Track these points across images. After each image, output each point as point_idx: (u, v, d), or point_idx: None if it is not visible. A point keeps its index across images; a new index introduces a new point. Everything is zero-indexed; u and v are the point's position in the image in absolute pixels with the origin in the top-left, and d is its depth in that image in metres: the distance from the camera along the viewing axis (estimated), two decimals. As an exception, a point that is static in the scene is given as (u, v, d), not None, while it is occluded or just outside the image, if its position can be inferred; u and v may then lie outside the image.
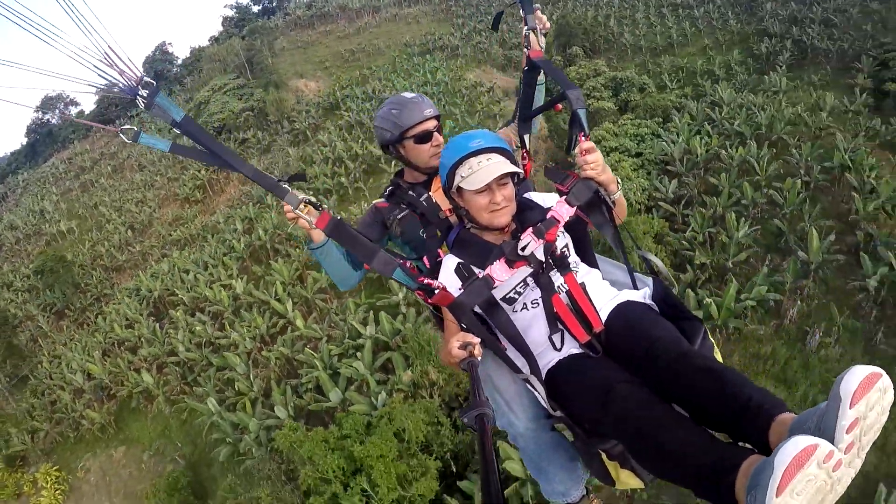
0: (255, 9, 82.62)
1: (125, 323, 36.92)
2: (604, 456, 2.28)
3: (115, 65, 1.84)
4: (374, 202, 3.07)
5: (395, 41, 67.50)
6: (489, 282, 2.32)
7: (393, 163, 34.28)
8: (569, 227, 2.52)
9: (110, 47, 1.85)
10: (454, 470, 18.37)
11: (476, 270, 2.39)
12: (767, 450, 1.52)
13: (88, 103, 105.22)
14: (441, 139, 2.98)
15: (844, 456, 1.34)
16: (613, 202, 2.44)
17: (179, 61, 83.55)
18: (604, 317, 2.31)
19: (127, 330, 35.75)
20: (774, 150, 29.36)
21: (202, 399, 27.90)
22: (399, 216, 2.92)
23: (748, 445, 1.64)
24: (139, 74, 1.90)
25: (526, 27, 2.75)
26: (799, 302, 21.62)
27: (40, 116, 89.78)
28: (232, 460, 23.74)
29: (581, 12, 56.02)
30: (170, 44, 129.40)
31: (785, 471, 1.26)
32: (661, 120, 34.19)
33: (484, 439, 1.46)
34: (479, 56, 55.82)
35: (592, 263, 2.68)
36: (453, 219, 2.77)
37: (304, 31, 78.99)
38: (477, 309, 2.36)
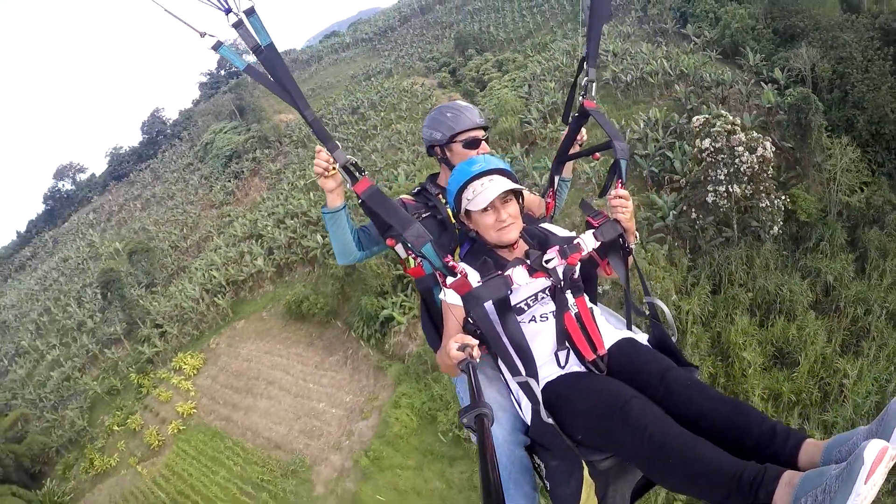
0: (223, 72, 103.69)
1: (224, 255, 50.92)
2: (586, 472, 2.30)
3: None
4: (400, 196, 3.24)
5: (341, 77, 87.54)
6: (508, 282, 2.44)
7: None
8: (581, 265, 2.69)
9: None
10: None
11: (496, 271, 2.49)
12: (794, 469, 1.68)
13: (99, 166, 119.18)
14: (488, 148, 3.24)
15: (891, 464, 1.49)
16: (630, 251, 2.71)
17: (171, 121, 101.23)
18: (607, 345, 2.46)
19: (228, 253, 50.46)
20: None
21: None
22: (424, 215, 3.10)
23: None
24: None
25: (586, 78, 2.98)
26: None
27: (55, 184, 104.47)
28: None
29: (470, 27, 79.41)
30: (163, 109, 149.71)
31: (873, 462, 1.41)
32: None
33: (484, 439, 1.52)
34: (407, 71, 75.96)
35: (594, 303, 2.81)
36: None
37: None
38: (490, 306, 2.46)
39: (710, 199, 26.09)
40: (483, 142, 3.21)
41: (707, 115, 27.22)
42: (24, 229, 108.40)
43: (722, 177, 25.73)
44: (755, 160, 25.15)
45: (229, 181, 69.74)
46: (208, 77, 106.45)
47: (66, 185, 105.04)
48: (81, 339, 53.38)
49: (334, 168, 2.60)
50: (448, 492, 23.82)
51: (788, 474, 1.64)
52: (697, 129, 26.84)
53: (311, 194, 51.15)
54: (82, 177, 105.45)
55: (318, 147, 2.59)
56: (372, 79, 79.64)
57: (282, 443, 31.19)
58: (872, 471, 1.42)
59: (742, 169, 25.32)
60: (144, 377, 43.06)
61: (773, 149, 26.04)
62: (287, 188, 57.40)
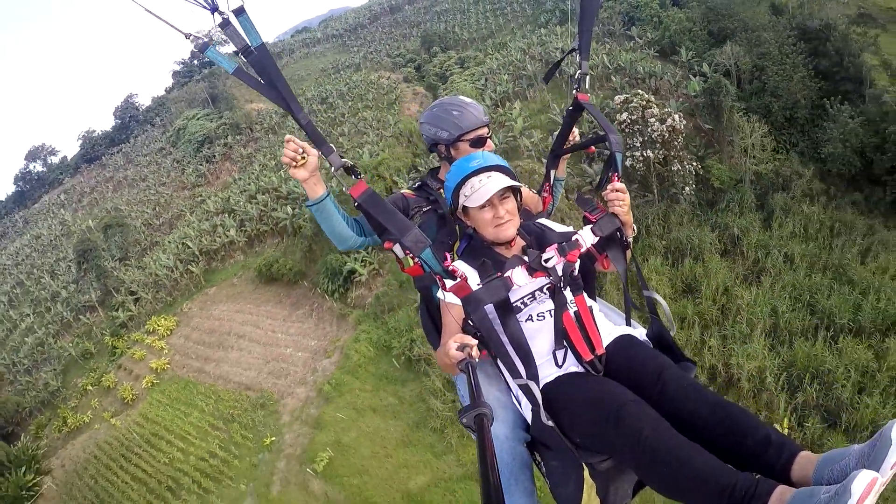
0: (196, 62, 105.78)
1: (197, 227, 53.33)
2: (586, 473, 2.32)
3: None
4: (402, 190, 3.25)
5: (312, 70, 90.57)
6: (507, 283, 2.47)
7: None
8: (580, 260, 2.66)
9: None
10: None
11: (496, 272, 2.50)
12: (785, 483, 1.72)
13: (71, 149, 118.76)
14: (493, 146, 3.22)
15: (881, 490, 1.51)
16: (629, 244, 2.73)
17: (144, 108, 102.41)
18: (605, 343, 2.48)
19: (202, 226, 53.07)
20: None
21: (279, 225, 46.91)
22: (425, 209, 3.14)
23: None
24: None
25: (580, 71, 3.01)
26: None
27: (27, 165, 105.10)
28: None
29: (437, 27, 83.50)
30: (136, 95, 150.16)
31: (861, 495, 1.43)
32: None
33: (483, 439, 1.51)
34: (375, 66, 79.14)
35: (592, 298, 2.85)
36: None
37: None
38: (490, 308, 2.47)
39: (628, 163, 30.15)
40: (488, 139, 3.21)
41: (627, 95, 31.47)
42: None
43: (638, 143, 29.98)
44: (665, 129, 29.38)
45: (201, 164, 71.47)
46: (182, 66, 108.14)
47: (38, 167, 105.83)
48: (56, 307, 54.92)
49: (304, 157, 2.57)
50: (400, 406, 27.16)
51: (780, 490, 1.66)
52: (619, 106, 31.04)
53: (282, 172, 53.51)
54: (54, 159, 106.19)
55: (288, 136, 2.57)
56: (341, 72, 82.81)
57: (251, 384, 33.87)
58: (860, 503, 1.44)
59: (654, 136, 29.50)
60: (118, 340, 44.87)
61: (684, 122, 30.43)
62: (258, 169, 59.83)
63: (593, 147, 3.35)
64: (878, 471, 1.53)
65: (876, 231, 29.02)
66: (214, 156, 71.88)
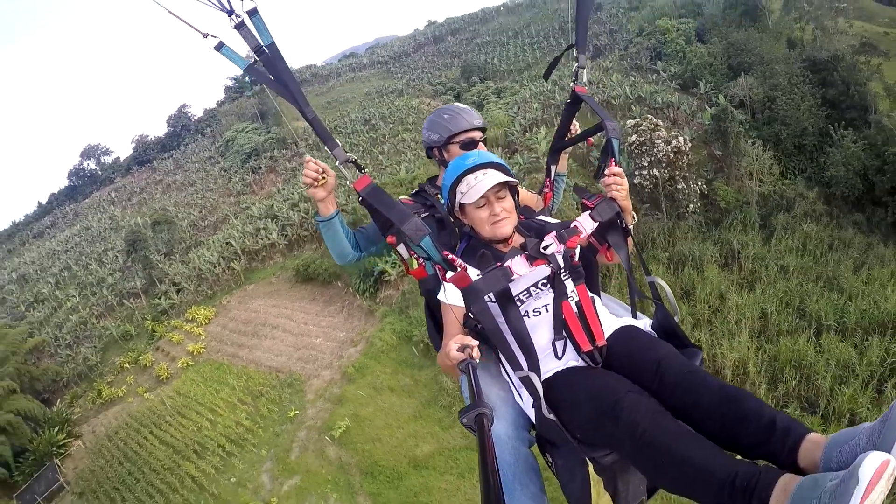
0: (248, 78, 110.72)
1: (241, 229, 56.10)
2: (591, 469, 2.21)
3: None
4: (399, 197, 3.20)
5: (357, 93, 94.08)
6: (508, 273, 2.40)
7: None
8: (580, 253, 2.64)
9: None
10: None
11: (495, 263, 2.47)
12: (793, 469, 1.62)
13: (124, 151, 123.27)
14: (486, 149, 3.13)
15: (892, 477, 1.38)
16: (629, 231, 2.67)
17: (196, 118, 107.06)
18: (606, 335, 2.40)
19: (246, 228, 55.93)
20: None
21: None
22: (423, 214, 3.10)
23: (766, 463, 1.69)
24: None
25: (577, 65, 3.02)
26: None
27: (81, 162, 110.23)
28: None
29: (477, 58, 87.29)
30: (189, 105, 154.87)
31: (870, 481, 1.30)
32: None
33: (483, 440, 1.48)
34: (416, 93, 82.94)
35: (595, 292, 2.77)
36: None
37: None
38: (491, 298, 2.41)
39: (636, 181, 32.61)
40: (481, 143, 3.25)
41: (637, 119, 34.19)
42: (45, 201, 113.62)
43: (645, 163, 32.55)
44: (670, 150, 31.93)
45: (247, 175, 74.86)
46: (234, 81, 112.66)
47: (91, 165, 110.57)
48: (101, 291, 58.35)
49: (324, 178, 2.71)
50: (415, 387, 29.71)
51: (784, 480, 1.54)
52: (630, 130, 33.71)
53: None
54: (107, 159, 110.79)
55: (307, 157, 2.73)
56: (384, 97, 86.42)
57: (281, 368, 36.47)
58: (870, 490, 1.32)
59: (660, 157, 32.04)
60: (159, 324, 47.31)
61: (689, 144, 33.21)
62: (302, 180, 63.07)
63: (591, 139, 3.27)
64: (889, 451, 1.40)
65: (873, 247, 30.63)
66: (260, 167, 75.31)
